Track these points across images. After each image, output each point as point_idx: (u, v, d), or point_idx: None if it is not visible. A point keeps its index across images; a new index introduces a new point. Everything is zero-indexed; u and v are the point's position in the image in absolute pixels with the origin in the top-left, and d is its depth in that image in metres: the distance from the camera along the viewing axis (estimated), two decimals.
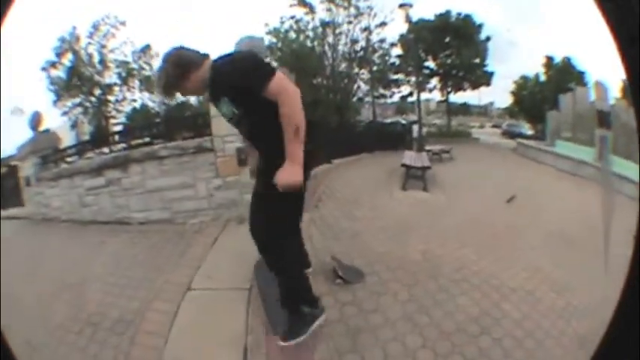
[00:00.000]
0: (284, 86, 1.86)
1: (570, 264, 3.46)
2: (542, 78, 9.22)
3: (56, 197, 5.54)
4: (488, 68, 9.28)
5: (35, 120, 5.92)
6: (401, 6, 8.47)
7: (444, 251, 3.56)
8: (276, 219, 2.16)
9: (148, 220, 4.65)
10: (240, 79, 1.92)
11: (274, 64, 8.38)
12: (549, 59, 9.04)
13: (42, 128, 6.02)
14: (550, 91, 8.64)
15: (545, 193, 5.61)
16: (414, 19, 8.86)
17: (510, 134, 9.80)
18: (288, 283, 2.33)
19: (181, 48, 2.11)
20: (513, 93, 9.69)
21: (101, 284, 3.34)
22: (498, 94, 10.03)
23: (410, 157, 6.61)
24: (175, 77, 2.05)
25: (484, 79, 9.29)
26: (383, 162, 7.22)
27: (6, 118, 6.06)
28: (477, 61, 9.15)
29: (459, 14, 9.07)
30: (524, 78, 9.51)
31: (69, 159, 5.63)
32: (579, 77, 8.36)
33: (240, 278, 3.00)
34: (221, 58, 2.09)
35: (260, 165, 2.28)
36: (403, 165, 6.07)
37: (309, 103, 7.86)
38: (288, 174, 1.90)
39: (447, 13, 9.05)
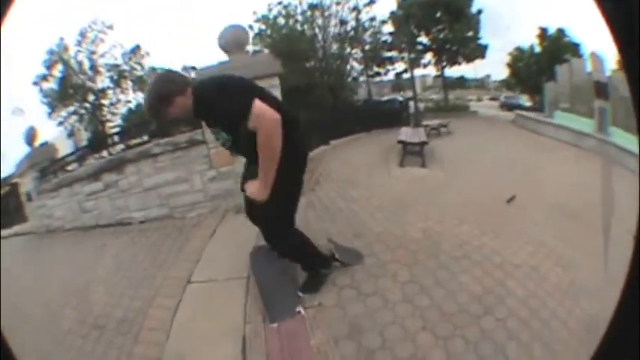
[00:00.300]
0: (261, 117, 1.92)
1: (574, 238, 3.38)
2: (537, 49, 9.08)
3: (58, 207, 5.57)
4: (482, 41, 9.18)
5: (30, 135, 5.91)
6: None
7: (443, 228, 3.47)
8: (273, 213, 2.27)
9: (148, 218, 4.66)
10: (222, 115, 2.06)
11: (266, 51, 8.30)
12: (543, 30, 8.88)
13: (38, 142, 6.01)
14: (545, 62, 8.52)
15: (546, 165, 5.49)
16: None
17: (508, 106, 9.68)
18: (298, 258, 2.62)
19: (168, 71, 2.20)
20: (509, 65, 9.59)
21: (104, 287, 3.35)
22: (495, 66, 9.94)
23: (406, 133, 6.53)
24: (159, 101, 2.07)
25: (478, 52, 9.17)
26: (380, 140, 7.15)
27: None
28: (470, 34, 9.00)
29: None
30: (520, 50, 9.38)
31: (69, 167, 5.61)
32: (574, 48, 8.22)
33: (238, 268, 2.97)
34: (201, 84, 2.17)
35: (246, 173, 2.43)
36: (400, 142, 5.98)
37: (303, 87, 7.82)
38: (257, 190, 2.12)
39: None
